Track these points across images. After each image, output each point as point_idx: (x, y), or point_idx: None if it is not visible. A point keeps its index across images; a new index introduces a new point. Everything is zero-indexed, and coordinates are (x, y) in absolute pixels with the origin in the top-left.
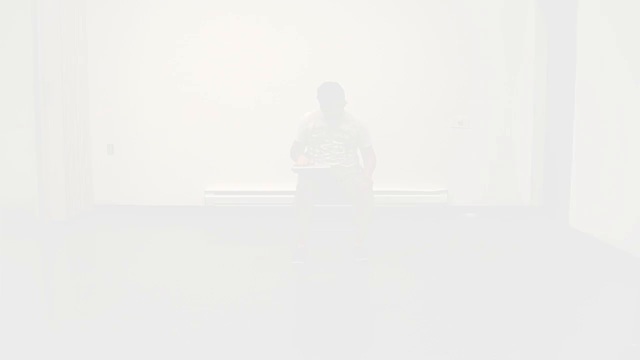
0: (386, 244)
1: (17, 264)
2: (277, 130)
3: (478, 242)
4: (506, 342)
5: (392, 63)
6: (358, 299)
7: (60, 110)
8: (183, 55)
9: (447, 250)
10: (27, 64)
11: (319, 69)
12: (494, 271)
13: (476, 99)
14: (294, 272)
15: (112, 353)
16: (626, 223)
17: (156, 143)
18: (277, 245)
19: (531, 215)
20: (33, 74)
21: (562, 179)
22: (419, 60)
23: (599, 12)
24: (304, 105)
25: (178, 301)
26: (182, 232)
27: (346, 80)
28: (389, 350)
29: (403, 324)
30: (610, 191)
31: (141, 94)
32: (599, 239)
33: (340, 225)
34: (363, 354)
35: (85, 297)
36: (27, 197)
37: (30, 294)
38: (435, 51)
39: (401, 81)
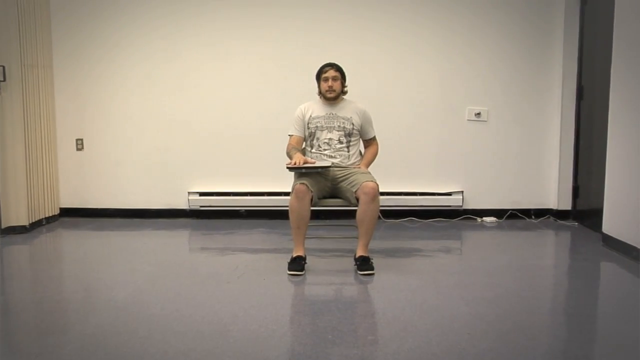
0: (394, 251)
1: None
2: (270, 124)
3: (498, 251)
4: None
5: (400, 51)
6: (363, 315)
7: (20, 99)
8: (165, 39)
9: (463, 259)
10: None
11: (316, 60)
12: (517, 284)
13: (497, 89)
14: (290, 284)
15: None
16: None
17: (132, 138)
18: (270, 254)
19: (559, 220)
20: None
21: (595, 179)
22: (431, 45)
23: None
24: (298, 96)
25: (156, 318)
26: (162, 239)
27: (348, 74)
28: None
29: (413, 342)
30: None
31: (115, 81)
32: (636, 247)
33: (342, 230)
34: None
35: (48, 314)
36: None
37: None
38: (449, 35)
39: (411, 70)
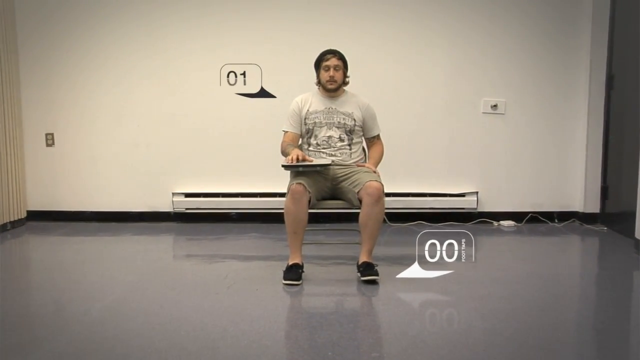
0: (401, 259)
1: None
2: (263, 118)
3: (517, 258)
4: None
5: (407, 36)
6: (366, 329)
7: None
8: (146, 19)
9: (477, 267)
10: None
11: (312, 52)
12: (539, 295)
13: (515, 78)
14: (285, 295)
15: None
16: None
17: (109, 132)
18: (264, 262)
19: (585, 225)
20: None
21: (626, 179)
22: (441, 30)
23: None
24: (293, 88)
25: (136, 334)
26: (143, 245)
27: (349, 63)
28: None
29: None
30: None
31: (90, 68)
32: None
33: (343, 235)
34: None
35: (13, 330)
36: None
37: None
38: (461, 18)
39: (420, 57)
